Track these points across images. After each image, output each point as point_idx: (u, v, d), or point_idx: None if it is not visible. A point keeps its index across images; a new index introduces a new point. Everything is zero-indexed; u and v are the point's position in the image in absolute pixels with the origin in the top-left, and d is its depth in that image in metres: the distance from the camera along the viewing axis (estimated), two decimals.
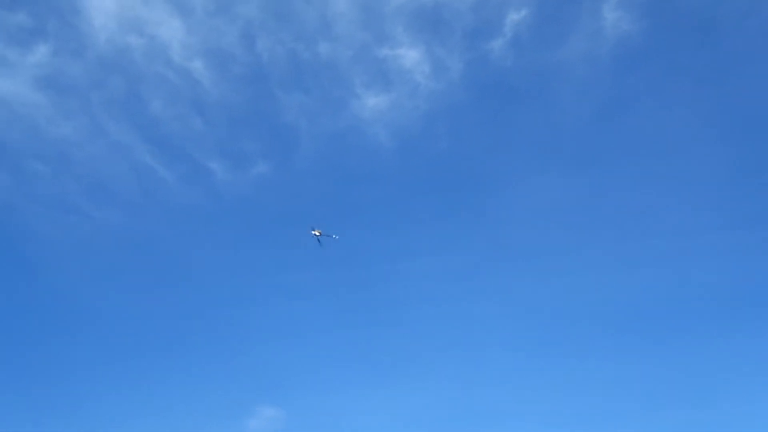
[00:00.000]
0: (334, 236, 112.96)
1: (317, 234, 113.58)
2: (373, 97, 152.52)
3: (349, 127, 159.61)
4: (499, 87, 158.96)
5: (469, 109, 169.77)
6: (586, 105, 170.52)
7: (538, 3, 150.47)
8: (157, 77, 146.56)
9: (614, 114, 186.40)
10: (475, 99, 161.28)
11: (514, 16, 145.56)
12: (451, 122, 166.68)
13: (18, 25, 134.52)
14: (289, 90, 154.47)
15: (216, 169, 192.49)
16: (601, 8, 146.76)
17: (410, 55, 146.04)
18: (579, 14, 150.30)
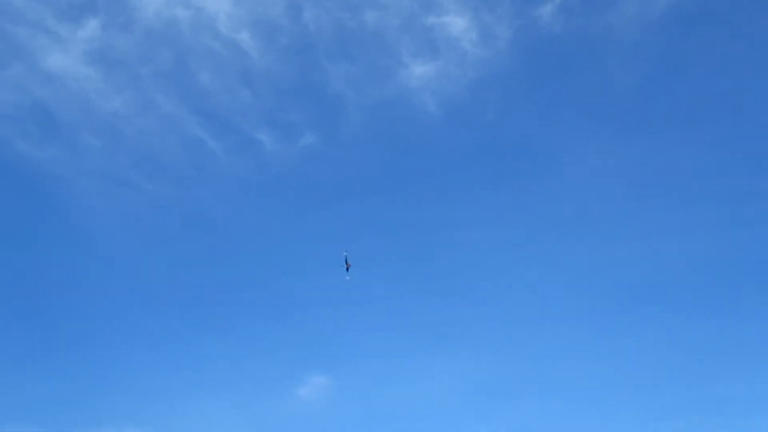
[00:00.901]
0: (347, 277, 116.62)
1: (347, 265, 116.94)
2: (420, 65, 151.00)
3: (396, 96, 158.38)
4: (548, 54, 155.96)
5: (517, 76, 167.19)
6: (636, 71, 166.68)
7: None
8: (204, 49, 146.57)
9: (665, 79, 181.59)
10: (524, 66, 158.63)
11: None
12: (499, 90, 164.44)
13: (68, 1, 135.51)
14: (335, 60, 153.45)
15: (264, 140, 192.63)
16: None
17: (457, 23, 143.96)
18: None
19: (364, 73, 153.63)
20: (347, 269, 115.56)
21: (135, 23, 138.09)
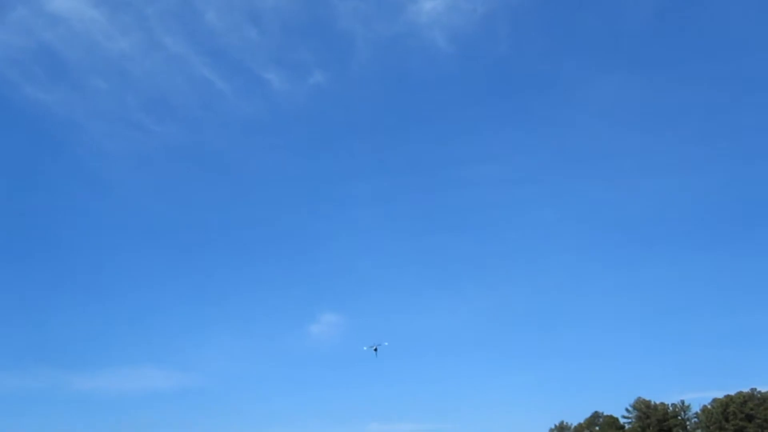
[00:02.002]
0: (374, 348, 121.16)
1: (375, 349, 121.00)
2: (429, 0, 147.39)
3: (406, 31, 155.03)
4: None
5: (528, 10, 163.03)
6: (649, 6, 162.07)
7: None
8: None
9: (677, 15, 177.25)
10: None
11: None
12: (511, 24, 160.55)
13: None
14: None
15: (272, 79, 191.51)
16: None
17: None
18: None
19: (372, 9, 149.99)
20: (376, 350, 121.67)
21: None
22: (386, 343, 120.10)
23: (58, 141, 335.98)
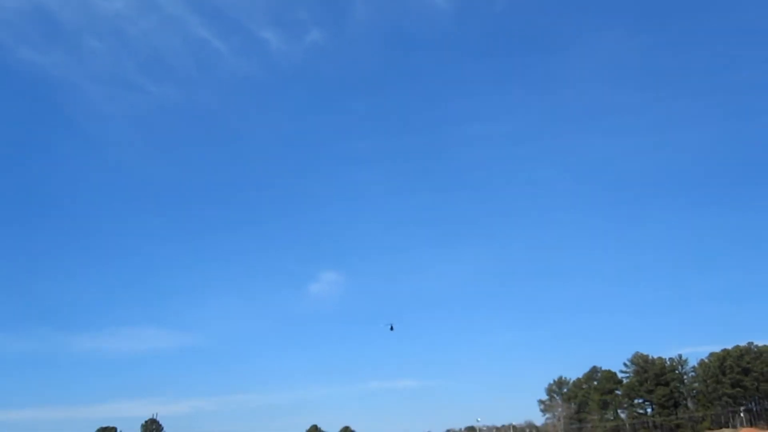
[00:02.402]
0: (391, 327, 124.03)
1: (391, 327, 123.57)
2: None
3: None
4: None
5: None
6: None
7: None
8: None
9: None
10: None
11: None
12: None
13: None
14: None
15: (270, 38, 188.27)
16: None
17: None
18: None
19: None
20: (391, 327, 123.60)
21: None
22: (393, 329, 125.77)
23: (54, 103, 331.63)
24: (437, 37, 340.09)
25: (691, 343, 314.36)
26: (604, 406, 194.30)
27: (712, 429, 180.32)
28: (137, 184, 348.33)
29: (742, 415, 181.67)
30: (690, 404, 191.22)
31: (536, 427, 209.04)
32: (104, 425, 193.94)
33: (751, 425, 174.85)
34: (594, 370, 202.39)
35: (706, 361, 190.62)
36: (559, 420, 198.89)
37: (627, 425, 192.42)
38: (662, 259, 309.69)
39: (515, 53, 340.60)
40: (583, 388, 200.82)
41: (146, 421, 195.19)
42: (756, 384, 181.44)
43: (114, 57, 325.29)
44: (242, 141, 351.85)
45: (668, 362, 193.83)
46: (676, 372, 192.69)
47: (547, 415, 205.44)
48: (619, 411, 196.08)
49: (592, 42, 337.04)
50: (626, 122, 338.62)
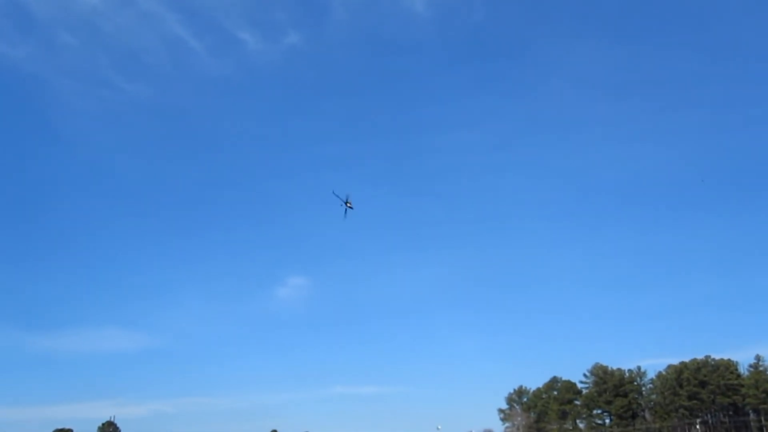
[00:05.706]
0: (347, 205, 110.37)
1: (348, 205, 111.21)
2: None
3: None
4: None
5: None
6: None
7: None
8: None
9: None
10: None
11: None
12: None
13: None
14: None
15: (247, 39, 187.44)
16: None
17: None
18: None
19: None
20: (346, 209, 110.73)
21: None
22: (352, 208, 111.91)
23: (25, 98, 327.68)
24: (415, 43, 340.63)
25: (650, 355, 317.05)
26: (563, 416, 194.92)
27: None
28: (106, 182, 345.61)
29: (698, 427, 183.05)
30: (647, 416, 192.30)
31: None
32: (60, 427, 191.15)
33: None
34: (554, 380, 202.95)
35: (664, 373, 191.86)
36: (518, 429, 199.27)
37: None
38: (625, 271, 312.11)
39: (491, 62, 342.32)
40: (542, 398, 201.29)
41: (103, 424, 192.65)
42: (712, 397, 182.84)
43: (88, 53, 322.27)
44: (214, 141, 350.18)
45: (627, 374, 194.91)
46: (635, 383, 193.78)
47: (507, 424, 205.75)
48: (578, 421, 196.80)
49: (568, 52, 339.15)
50: (599, 132, 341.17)
